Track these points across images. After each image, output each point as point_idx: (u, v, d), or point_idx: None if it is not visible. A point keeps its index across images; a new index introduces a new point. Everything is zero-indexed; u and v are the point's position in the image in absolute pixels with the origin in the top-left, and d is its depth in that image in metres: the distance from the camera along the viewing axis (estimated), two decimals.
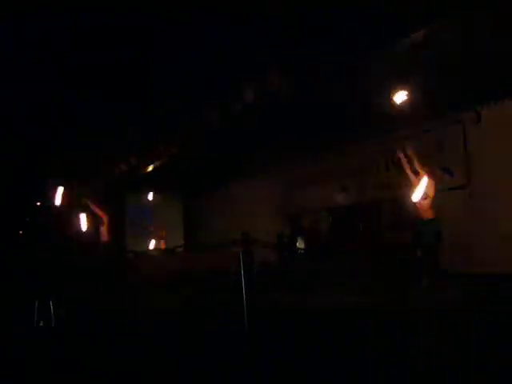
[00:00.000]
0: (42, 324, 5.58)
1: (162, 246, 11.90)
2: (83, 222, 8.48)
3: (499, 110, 7.41)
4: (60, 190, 8.60)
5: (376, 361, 3.17)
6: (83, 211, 8.51)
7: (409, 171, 6.61)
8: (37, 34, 5.73)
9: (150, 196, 12.97)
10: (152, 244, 12.04)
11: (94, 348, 4.32)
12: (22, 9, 5.17)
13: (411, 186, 6.51)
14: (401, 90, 7.06)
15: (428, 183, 6.37)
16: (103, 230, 8.40)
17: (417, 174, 6.51)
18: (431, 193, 6.40)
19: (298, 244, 10.21)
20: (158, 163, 10.91)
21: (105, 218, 8.35)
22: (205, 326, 4.80)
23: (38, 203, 11.52)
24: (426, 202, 6.45)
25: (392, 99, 7.13)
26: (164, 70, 6.87)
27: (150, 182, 12.29)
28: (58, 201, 8.62)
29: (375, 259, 8.08)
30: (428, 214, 6.54)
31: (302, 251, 10.09)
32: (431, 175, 6.53)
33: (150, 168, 11.22)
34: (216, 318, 5.06)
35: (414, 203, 6.53)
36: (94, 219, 8.54)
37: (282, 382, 3.04)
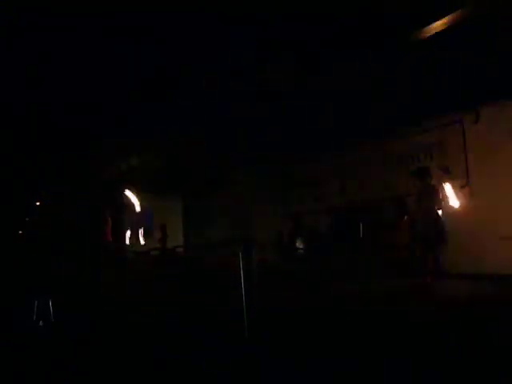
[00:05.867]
0: (41, 324, 5.58)
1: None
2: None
3: (498, 109, 7.41)
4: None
5: (378, 361, 3.17)
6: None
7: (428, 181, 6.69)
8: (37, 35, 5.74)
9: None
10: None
11: (93, 348, 4.32)
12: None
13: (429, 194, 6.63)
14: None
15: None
16: (106, 230, 8.43)
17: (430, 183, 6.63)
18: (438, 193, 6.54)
19: (297, 244, 10.21)
20: (158, 163, 10.92)
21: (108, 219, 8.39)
22: (204, 326, 4.80)
23: (38, 203, 11.52)
24: (431, 205, 6.58)
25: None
26: (164, 71, 6.87)
27: (150, 182, 12.29)
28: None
29: (375, 259, 8.10)
30: (430, 215, 6.60)
31: (302, 251, 10.10)
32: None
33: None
34: (215, 318, 5.07)
35: (415, 204, 6.64)
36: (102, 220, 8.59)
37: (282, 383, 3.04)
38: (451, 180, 7.55)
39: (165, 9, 5.43)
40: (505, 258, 6.76)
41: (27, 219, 10.75)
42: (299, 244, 10.17)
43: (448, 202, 6.75)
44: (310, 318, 4.87)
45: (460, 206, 7.06)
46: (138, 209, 10.33)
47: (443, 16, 5.33)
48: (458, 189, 7.55)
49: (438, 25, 5.43)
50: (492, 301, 5.16)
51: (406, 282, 6.96)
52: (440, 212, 6.70)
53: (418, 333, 3.78)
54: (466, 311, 4.54)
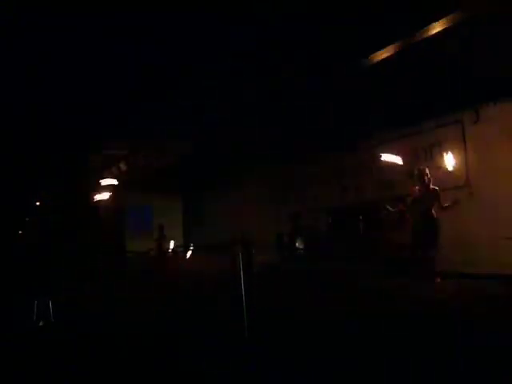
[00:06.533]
0: (41, 324, 5.58)
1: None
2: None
3: (498, 109, 7.40)
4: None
5: (377, 362, 3.17)
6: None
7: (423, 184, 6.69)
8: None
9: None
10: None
11: (93, 348, 4.32)
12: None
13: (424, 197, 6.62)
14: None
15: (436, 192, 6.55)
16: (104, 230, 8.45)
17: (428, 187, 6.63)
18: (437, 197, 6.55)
19: (297, 244, 10.21)
20: (158, 164, 10.92)
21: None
22: (204, 327, 4.79)
23: (38, 203, 11.53)
24: (428, 206, 6.58)
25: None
26: (164, 71, 6.87)
27: (150, 182, 12.30)
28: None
29: (375, 259, 8.09)
30: (427, 215, 6.61)
31: (302, 251, 10.09)
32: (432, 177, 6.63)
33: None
34: (215, 318, 5.06)
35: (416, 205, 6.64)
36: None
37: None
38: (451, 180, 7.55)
39: (165, 9, 5.43)
40: (505, 258, 6.75)
41: (27, 219, 10.75)
42: (299, 244, 10.16)
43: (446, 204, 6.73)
44: (309, 318, 4.86)
45: (459, 206, 7.04)
46: None
47: (443, 16, 5.33)
48: (458, 189, 7.55)
49: (437, 25, 5.43)
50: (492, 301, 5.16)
51: (407, 282, 6.94)
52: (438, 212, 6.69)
53: (418, 333, 3.78)
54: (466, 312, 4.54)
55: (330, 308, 5.44)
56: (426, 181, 6.71)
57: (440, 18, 5.38)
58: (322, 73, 6.70)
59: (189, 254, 11.70)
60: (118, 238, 12.93)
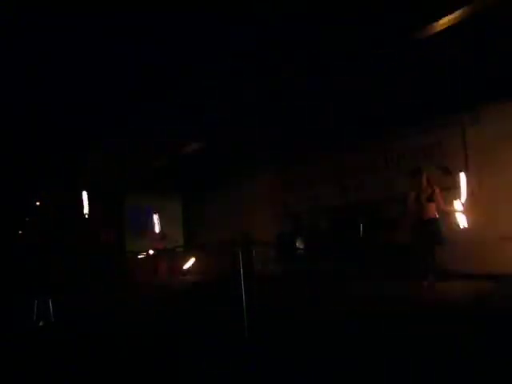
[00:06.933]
0: (41, 324, 5.58)
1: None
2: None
3: (498, 109, 7.40)
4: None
5: (378, 362, 3.17)
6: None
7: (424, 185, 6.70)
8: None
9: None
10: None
11: (93, 348, 4.32)
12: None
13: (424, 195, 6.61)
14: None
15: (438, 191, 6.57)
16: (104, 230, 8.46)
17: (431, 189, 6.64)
18: (439, 197, 6.56)
19: (297, 244, 10.21)
20: (157, 163, 10.93)
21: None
22: (204, 327, 4.80)
23: (38, 203, 11.52)
24: (432, 205, 6.58)
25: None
26: (164, 71, 6.87)
27: (150, 182, 12.29)
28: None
29: (375, 259, 8.09)
30: (431, 215, 6.61)
31: (302, 251, 10.09)
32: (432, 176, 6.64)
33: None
34: (215, 318, 5.06)
35: (418, 204, 6.65)
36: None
37: None
38: (451, 180, 7.54)
39: (165, 9, 5.43)
40: (505, 258, 6.76)
41: (27, 219, 10.75)
42: (299, 244, 10.16)
43: (446, 204, 6.73)
44: (309, 318, 4.87)
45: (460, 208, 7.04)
46: None
47: (444, 15, 5.33)
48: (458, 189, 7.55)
49: (438, 24, 5.43)
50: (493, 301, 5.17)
51: (406, 283, 6.95)
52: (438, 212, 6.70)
53: (418, 333, 3.78)
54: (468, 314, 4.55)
55: (330, 308, 5.45)
56: (425, 181, 6.72)
57: (440, 18, 5.38)
58: (321, 73, 6.69)
59: (190, 262, 11.70)
60: (118, 237, 12.92)
